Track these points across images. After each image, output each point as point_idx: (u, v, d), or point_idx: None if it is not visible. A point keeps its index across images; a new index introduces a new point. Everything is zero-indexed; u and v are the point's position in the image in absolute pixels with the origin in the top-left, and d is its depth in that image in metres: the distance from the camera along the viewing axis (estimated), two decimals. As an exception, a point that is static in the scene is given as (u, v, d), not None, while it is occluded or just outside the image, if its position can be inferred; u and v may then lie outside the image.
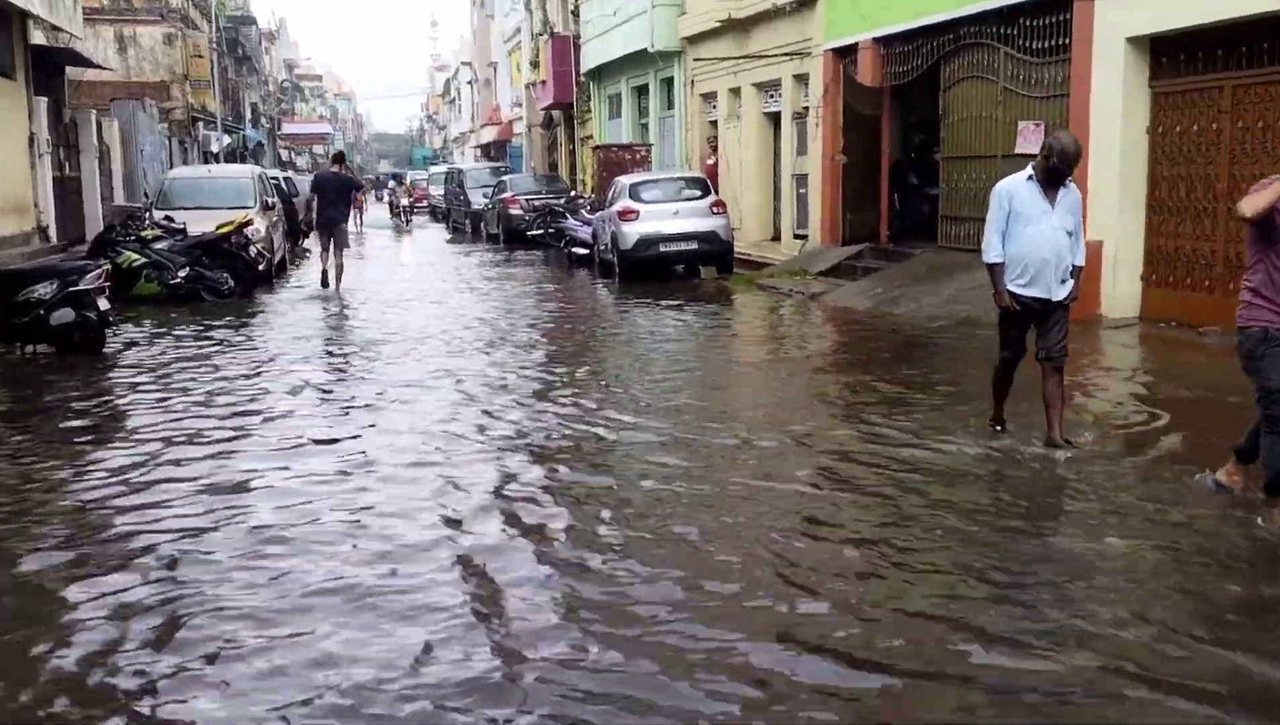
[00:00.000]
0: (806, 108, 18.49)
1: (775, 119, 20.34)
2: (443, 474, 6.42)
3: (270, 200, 19.07)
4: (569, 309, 15.62)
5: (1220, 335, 10.24)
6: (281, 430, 7.68)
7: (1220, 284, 10.59)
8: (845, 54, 16.98)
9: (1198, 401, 8.00)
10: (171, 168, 26.92)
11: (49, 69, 20.16)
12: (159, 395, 8.95)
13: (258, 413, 8.22)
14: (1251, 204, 4.82)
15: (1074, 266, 6.56)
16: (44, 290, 10.67)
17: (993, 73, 13.88)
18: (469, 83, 66.82)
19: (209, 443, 7.29)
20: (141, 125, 27.15)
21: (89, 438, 7.58)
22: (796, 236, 19.16)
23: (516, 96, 47.18)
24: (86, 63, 22.82)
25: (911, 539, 5.20)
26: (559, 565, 4.98)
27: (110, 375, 10.04)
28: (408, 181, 44.77)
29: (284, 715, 3.66)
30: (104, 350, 10.99)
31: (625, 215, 17.63)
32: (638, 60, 25.97)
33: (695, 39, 22.77)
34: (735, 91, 21.55)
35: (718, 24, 20.96)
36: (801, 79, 18.66)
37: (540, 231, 24.87)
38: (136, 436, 7.54)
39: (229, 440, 7.36)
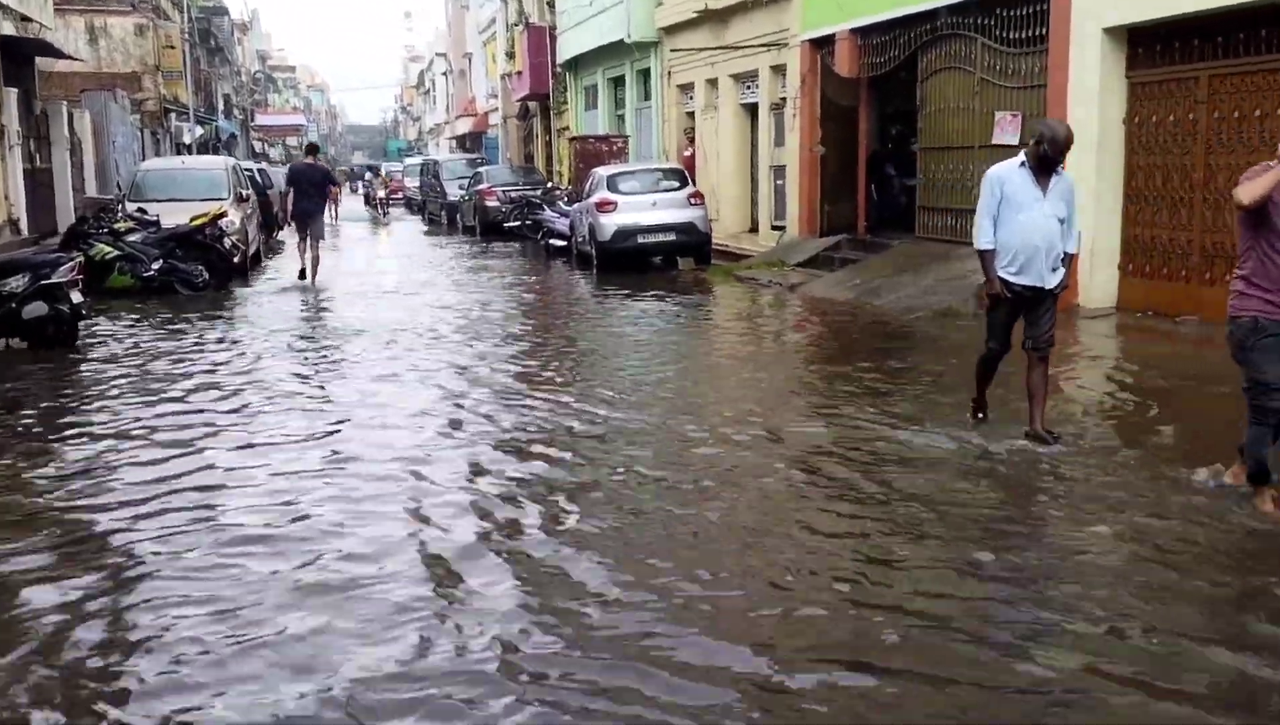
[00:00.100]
0: (784, 99, 18.48)
1: (753, 110, 20.33)
2: (418, 470, 6.34)
3: (245, 192, 18.92)
4: (547, 301, 15.57)
5: (1197, 325, 10.32)
6: (256, 425, 7.59)
7: (1196, 273, 10.65)
8: (823, 45, 16.97)
9: (1178, 392, 8.01)
10: (144, 159, 26.67)
11: (18, 59, 19.90)
12: (132, 390, 8.84)
13: (233, 408, 8.11)
14: (1249, 191, 4.79)
15: (1066, 254, 6.50)
16: (15, 283, 10.53)
17: (970, 63, 13.90)
18: (444, 74, 66.55)
19: (182, 439, 7.18)
20: (113, 116, 26.87)
21: (61, 434, 7.47)
22: (774, 228, 19.17)
23: (492, 88, 46.99)
24: (57, 53, 22.54)
25: (892, 535, 5.15)
26: (530, 565, 4.89)
27: (83, 369, 9.91)
28: (384, 173, 44.53)
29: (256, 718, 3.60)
30: (77, 344, 10.87)
31: (603, 207, 17.58)
32: (614, 51, 25.90)
33: (672, 29, 22.72)
34: (712, 82, 21.52)
35: (695, 14, 20.92)
36: (779, 70, 18.65)
37: (517, 223, 24.77)
38: (108, 432, 7.43)
39: (203, 437, 7.25)
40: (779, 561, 4.86)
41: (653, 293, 14.91)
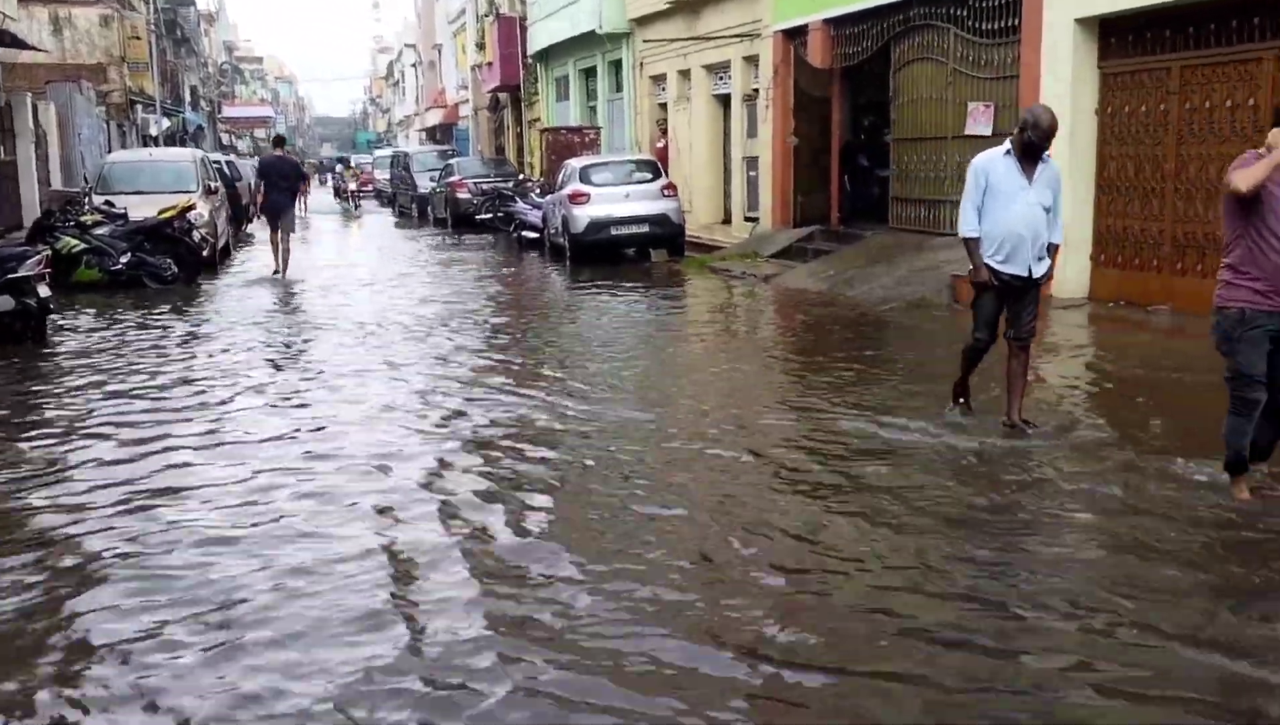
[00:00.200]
0: (756, 90, 18.46)
1: (725, 101, 20.30)
2: (388, 465, 6.26)
3: (213, 184, 18.74)
4: (521, 294, 15.51)
5: (1169, 314, 10.40)
6: (227, 420, 7.48)
7: (1168, 263, 10.72)
8: (795, 35, 16.96)
9: (1153, 382, 8.04)
10: (110, 152, 26.35)
11: (-19, 50, 19.61)
12: (101, 386, 8.71)
13: (204, 405, 7.97)
14: (1247, 178, 4.74)
15: (1051, 243, 6.49)
16: (-20, 278, 10.37)
17: (943, 54, 13.93)
18: (413, 65, 66.12)
19: (152, 436, 7.05)
20: (79, 108, 26.51)
21: (27, 432, 7.34)
22: (747, 219, 19.16)
23: (462, 79, 46.73)
24: (21, 44, 22.19)
25: (866, 529, 5.06)
26: (494, 564, 4.81)
27: (51, 365, 9.77)
28: (354, 166, 44.17)
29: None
30: (45, 338, 10.71)
31: (576, 198, 17.52)
32: (585, 42, 25.80)
33: (644, 20, 22.65)
34: (685, 74, 21.48)
35: (666, 5, 20.86)
36: (751, 60, 18.63)
37: (489, 215, 24.65)
38: (75, 428, 7.32)
39: (174, 434, 7.11)
40: (751, 558, 4.78)
41: (626, 285, 14.88)
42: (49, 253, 11.70)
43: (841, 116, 17.05)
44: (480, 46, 39.21)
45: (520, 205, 22.36)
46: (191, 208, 15.80)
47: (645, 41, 22.66)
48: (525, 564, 4.77)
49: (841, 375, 8.53)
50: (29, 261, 10.61)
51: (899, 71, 14.93)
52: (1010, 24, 12.50)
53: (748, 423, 7.11)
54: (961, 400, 6.89)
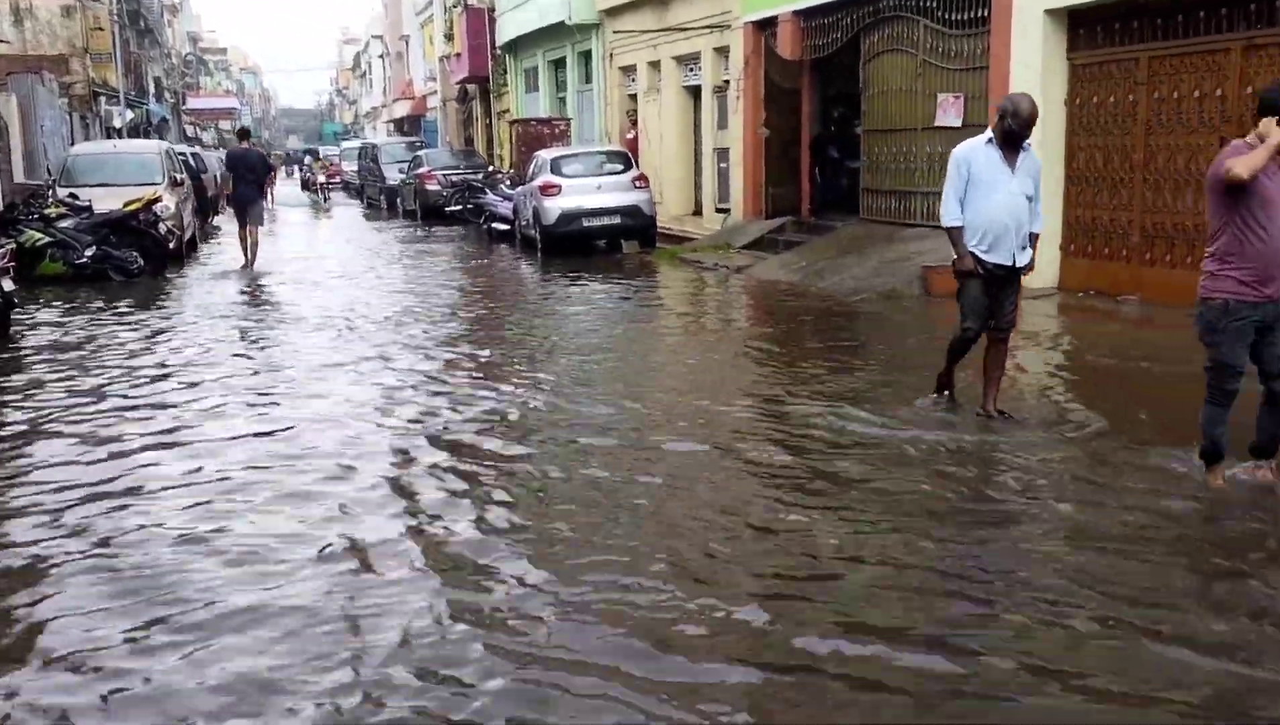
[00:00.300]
0: (727, 81, 18.46)
1: (695, 92, 20.28)
2: (355, 462, 6.16)
3: (179, 176, 18.53)
4: (492, 286, 15.43)
5: (1138, 304, 10.48)
6: (194, 417, 7.35)
7: (1136, 253, 10.81)
8: (765, 26, 16.96)
9: (1127, 372, 8.08)
10: (73, 144, 25.98)
11: (-61, 41, 19.27)
12: (65, 382, 8.57)
13: (172, 403, 7.81)
14: (1248, 164, 4.71)
15: (1032, 233, 6.47)
16: (-57, 272, 10.20)
17: (912, 45, 13.97)
18: (380, 56, 65.72)
19: (120, 434, 6.94)
20: (41, 100, 26.12)
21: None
22: (718, 210, 19.16)
23: (430, 70, 46.48)
24: (-20, 34, 21.87)
25: (834, 525, 5.00)
26: (457, 563, 4.72)
27: (15, 360, 9.62)
28: (323, 158, 43.76)
29: None
30: (10, 333, 10.55)
31: (547, 190, 17.45)
32: (555, 33, 25.69)
33: (613, 11, 22.58)
34: (655, 65, 21.43)
35: (636, -4, 20.81)
36: (722, 52, 18.62)
37: (459, 207, 24.52)
38: (39, 427, 7.20)
39: (141, 432, 6.99)
40: (717, 555, 4.68)
41: (598, 277, 14.84)
42: (13, 246, 11.54)
43: (812, 108, 17.06)
44: (448, 37, 39.00)
45: (490, 197, 22.24)
46: (157, 200, 15.61)
47: (615, 32, 22.61)
48: (488, 562, 4.67)
49: (815, 367, 8.53)
50: (-8, 255, 10.45)
51: (869, 63, 14.95)
52: (980, 15, 12.55)
53: (718, 417, 7.04)
54: (946, 392, 6.85)
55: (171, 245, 16.06)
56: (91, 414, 7.49)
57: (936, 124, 13.52)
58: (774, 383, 8.10)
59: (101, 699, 3.66)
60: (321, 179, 37.75)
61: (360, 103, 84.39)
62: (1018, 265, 6.44)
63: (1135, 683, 3.57)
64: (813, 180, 17.09)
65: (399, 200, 29.79)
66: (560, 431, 6.77)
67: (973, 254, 6.37)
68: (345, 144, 52.16)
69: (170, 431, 6.99)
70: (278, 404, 7.78)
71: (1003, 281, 6.47)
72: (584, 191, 17.37)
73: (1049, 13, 11.38)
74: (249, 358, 9.63)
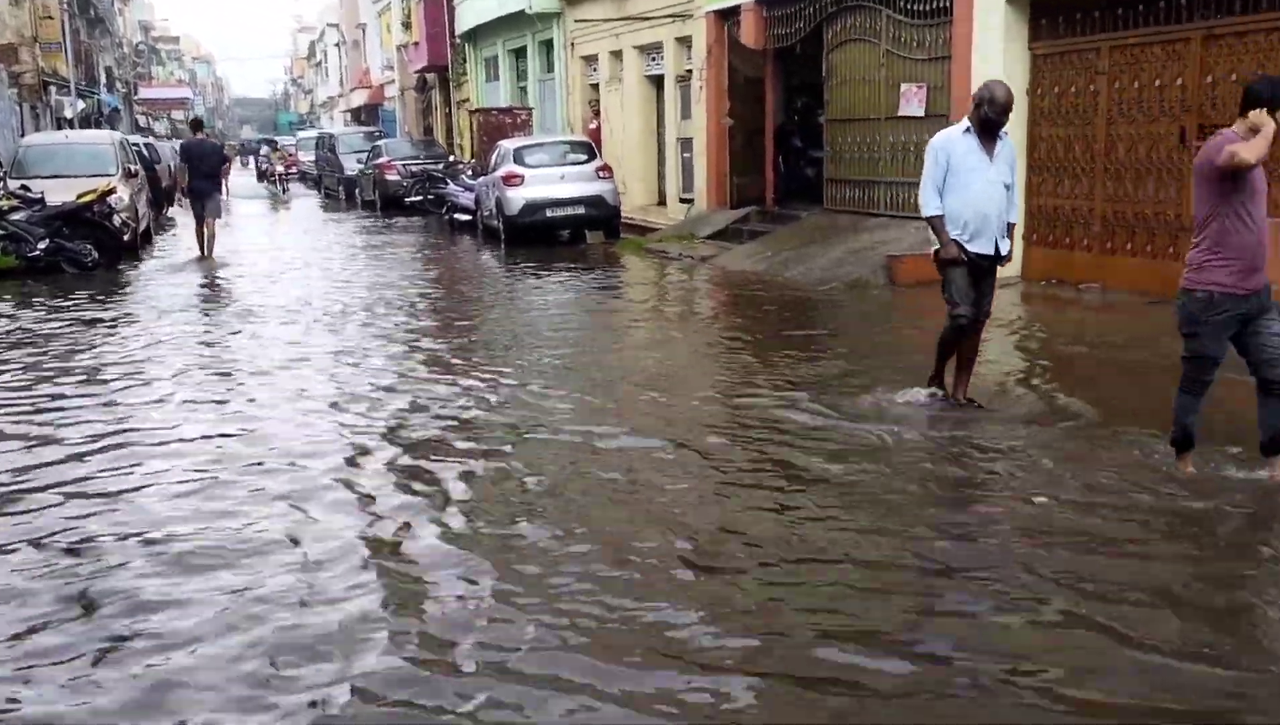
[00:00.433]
0: (689, 71, 18.41)
1: (658, 82, 20.22)
2: (308, 462, 6.03)
3: (133, 167, 18.24)
4: (455, 277, 15.31)
5: (1100, 292, 10.58)
6: (149, 414, 7.20)
7: (1098, 242, 10.90)
8: (728, 16, 16.93)
9: (1094, 360, 8.13)
10: (23, 135, 25.48)
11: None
12: (15, 378, 8.39)
13: (128, 402, 7.60)
14: (1254, 150, 4.68)
15: (1009, 223, 6.48)
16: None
17: (875, 35, 13.99)
18: (336, 45, 64.93)
19: (77, 436, 6.73)
20: (-12, 89, 25.62)
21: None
22: (682, 200, 19.13)
23: (388, 59, 46.05)
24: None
25: (800, 520, 4.91)
26: (403, 569, 4.60)
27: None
28: (281, 148, 43.13)
29: None
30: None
31: (510, 180, 17.35)
32: (515, 22, 25.51)
33: (574, 0, 22.45)
34: (617, 54, 21.34)
35: (597, -15, 20.70)
36: (684, 41, 18.56)
37: (419, 198, 24.32)
38: None
39: (97, 431, 6.82)
40: (677, 553, 4.57)
41: (564, 267, 14.77)
42: (-36, 239, 11.30)
43: (775, 98, 17.07)
44: (406, 26, 38.64)
45: (452, 187, 22.07)
46: (112, 191, 15.35)
47: (576, 21, 22.47)
48: (440, 566, 4.56)
49: (782, 358, 8.43)
50: (-57, 249, 10.22)
51: (832, 53, 14.97)
52: (942, 5, 12.59)
53: (682, 411, 6.94)
54: (942, 392, 6.66)
55: (126, 237, 15.80)
56: (41, 409, 7.32)
57: (900, 114, 13.57)
58: (741, 375, 8.03)
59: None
60: (280, 169, 37.21)
61: (316, 92, 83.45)
62: (1001, 253, 6.44)
63: (1110, 686, 3.47)
64: (776, 170, 17.10)
65: (358, 191, 29.49)
66: (519, 427, 6.64)
67: (956, 242, 6.33)
68: (301, 134, 51.52)
69: (123, 430, 6.80)
70: (232, 397, 7.65)
71: (983, 271, 6.46)
72: (547, 182, 17.28)
73: (1010, 2, 11.45)
74: (205, 353, 9.45)
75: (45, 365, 8.86)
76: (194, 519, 5.19)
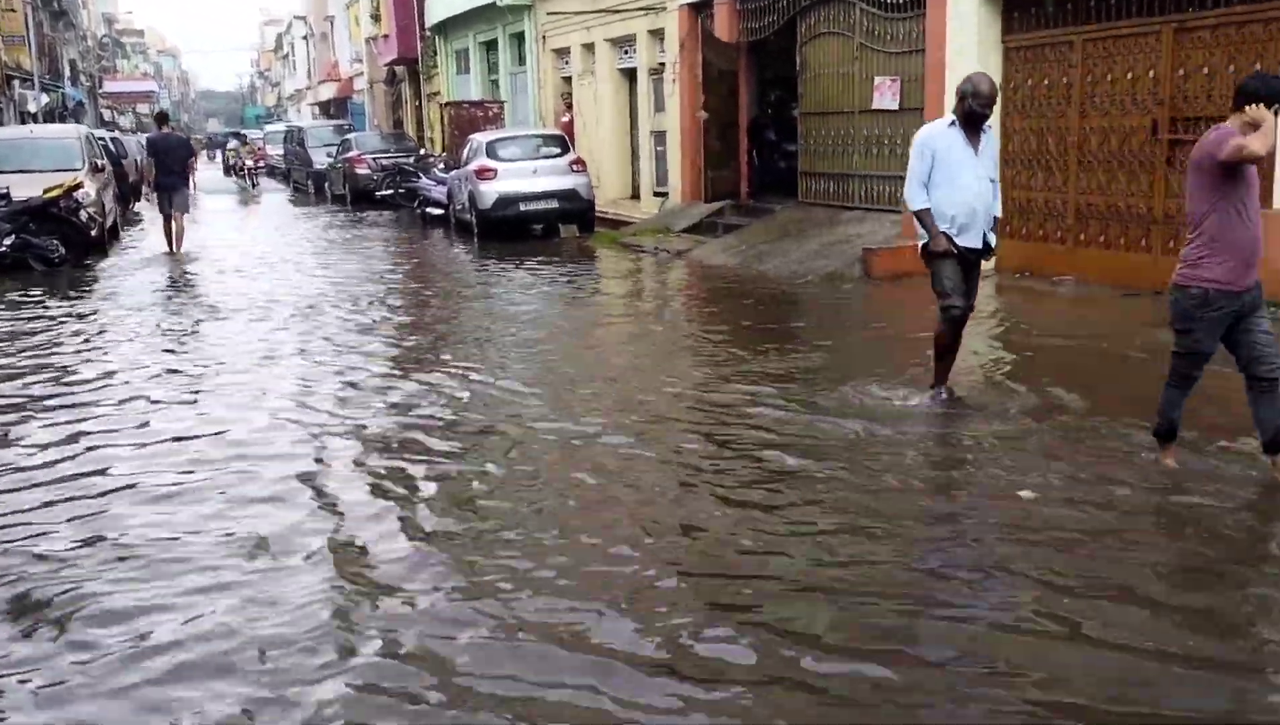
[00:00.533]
0: (663, 64, 18.36)
1: (631, 75, 20.16)
2: (264, 458, 5.98)
3: (100, 162, 17.99)
4: (427, 272, 15.20)
5: (1073, 285, 10.62)
6: (117, 414, 7.10)
7: (1071, 235, 10.94)
8: (701, 9, 16.89)
9: (1071, 351, 8.11)
10: (-14, 128, 25.12)
11: None
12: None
13: (94, 402, 7.46)
14: (1265, 142, 4.64)
15: (995, 217, 6.47)
16: None
17: (849, 28, 13.99)
18: (304, 38, 64.46)
19: (48, 439, 6.64)
20: (-51, 83, 25.21)
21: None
22: (656, 194, 19.08)
23: (356, 52, 45.71)
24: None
25: (778, 520, 4.83)
26: (369, 570, 4.52)
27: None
28: (250, 141, 42.65)
29: None
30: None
31: (483, 174, 17.24)
32: (486, 14, 25.38)
33: (546, -7, 22.36)
34: (589, 47, 21.26)
35: (569, -23, 20.61)
36: (656, 34, 18.51)
37: (390, 191, 24.15)
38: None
39: (70, 431, 6.75)
40: (652, 554, 4.53)
41: (538, 261, 14.69)
42: (-73, 236, 11.11)
43: (749, 91, 17.03)
44: (375, 18, 38.37)
45: (424, 181, 21.93)
46: (78, 186, 15.13)
47: (548, 14, 22.38)
48: (406, 568, 4.50)
49: (758, 352, 8.37)
50: (-94, 245, 10.04)
51: (805, 46, 14.95)
52: (915, -2, 12.60)
53: (655, 408, 6.87)
54: (944, 391, 6.56)
55: (93, 233, 15.59)
56: (3, 409, 7.20)
57: (873, 107, 13.58)
58: (716, 369, 7.94)
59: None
60: (249, 163, 36.80)
61: (283, 85, 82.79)
62: (990, 245, 6.43)
63: (1092, 689, 3.42)
64: (751, 163, 17.07)
65: (327, 185, 29.25)
66: (487, 424, 6.56)
67: (945, 234, 6.29)
68: (269, 127, 51.07)
69: (91, 431, 6.69)
70: (198, 400, 7.50)
71: (970, 264, 6.45)
72: (521, 175, 17.19)
73: (984, -5, 11.46)
74: (173, 350, 9.32)
75: (10, 364, 8.70)
76: (163, 522, 5.11)
